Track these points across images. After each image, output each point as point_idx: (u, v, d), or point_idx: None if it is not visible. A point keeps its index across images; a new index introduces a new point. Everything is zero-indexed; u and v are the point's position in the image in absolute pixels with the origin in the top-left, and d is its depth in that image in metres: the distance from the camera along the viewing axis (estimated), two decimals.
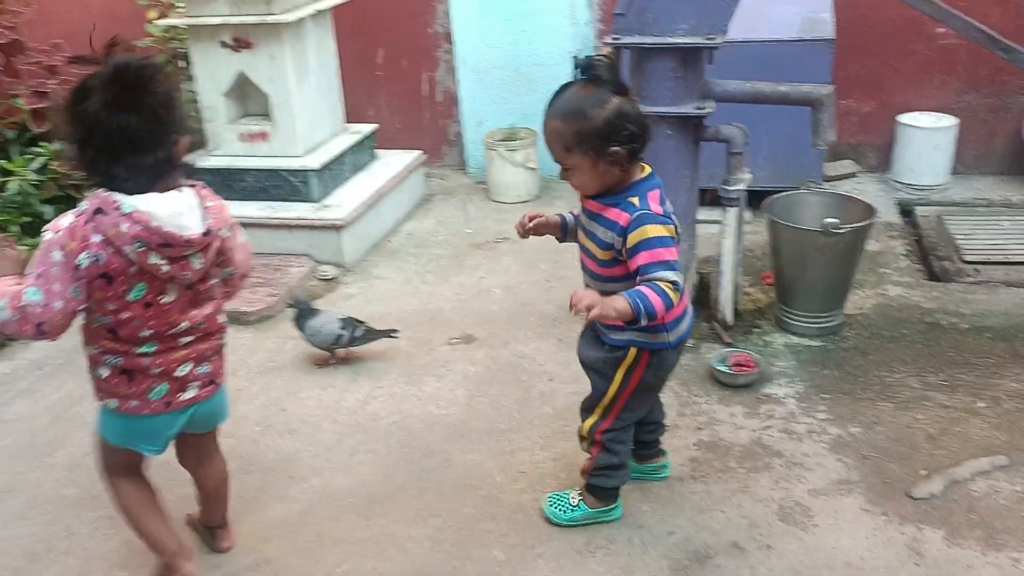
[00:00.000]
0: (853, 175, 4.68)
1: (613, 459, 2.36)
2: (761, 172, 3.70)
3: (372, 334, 3.28)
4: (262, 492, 2.65)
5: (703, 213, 3.40)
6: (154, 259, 1.90)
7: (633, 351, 2.22)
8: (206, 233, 1.96)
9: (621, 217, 2.10)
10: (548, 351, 3.30)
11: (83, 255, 1.86)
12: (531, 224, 2.35)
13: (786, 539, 2.36)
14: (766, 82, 3.04)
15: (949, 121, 4.46)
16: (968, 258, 3.76)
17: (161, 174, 1.92)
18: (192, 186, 1.98)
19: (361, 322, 3.28)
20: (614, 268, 2.16)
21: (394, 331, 3.35)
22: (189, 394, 2.10)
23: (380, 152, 4.76)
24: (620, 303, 2.00)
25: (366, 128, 4.64)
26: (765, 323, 3.37)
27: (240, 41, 4.01)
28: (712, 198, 3.92)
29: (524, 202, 4.72)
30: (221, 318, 2.14)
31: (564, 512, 2.45)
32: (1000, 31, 3.10)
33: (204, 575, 2.34)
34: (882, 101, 4.68)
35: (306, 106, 4.18)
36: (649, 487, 2.57)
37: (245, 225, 3.97)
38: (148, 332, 1.99)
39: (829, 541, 2.35)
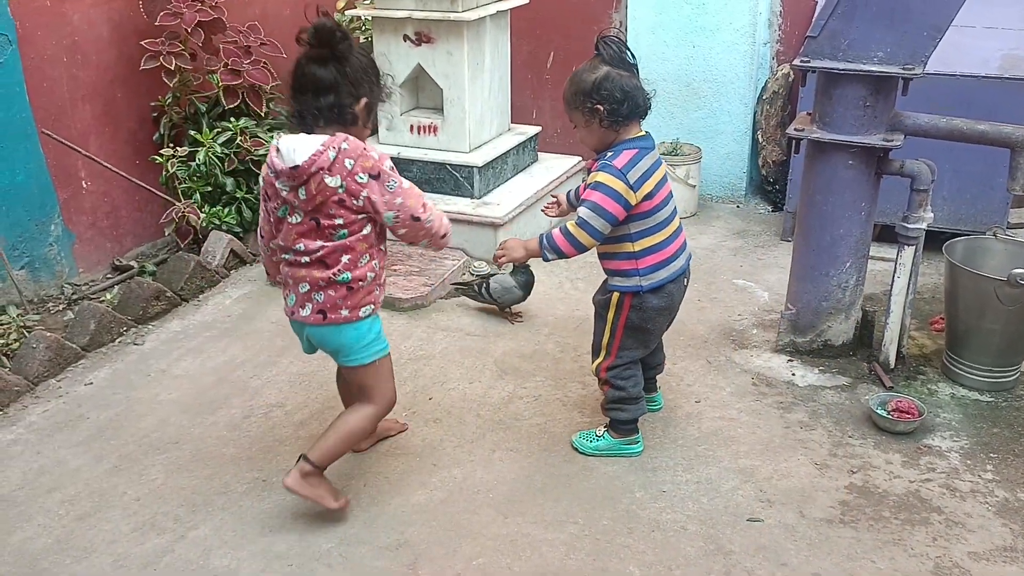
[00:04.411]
0: None
1: (621, 393, 2.71)
2: (938, 212, 3.53)
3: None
4: (406, 476, 2.71)
5: (873, 249, 3.26)
6: (279, 183, 2.28)
7: (616, 295, 2.63)
8: (293, 168, 2.22)
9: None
10: (696, 372, 3.24)
11: (260, 178, 2.40)
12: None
13: None
14: (963, 119, 2.89)
15: None
16: None
17: (326, 117, 2.26)
18: (333, 135, 2.25)
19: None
20: None
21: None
22: (304, 312, 2.38)
23: (541, 155, 4.80)
24: (531, 243, 2.62)
25: (530, 130, 4.69)
26: (930, 370, 3.21)
27: (421, 36, 4.13)
28: (879, 233, 3.78)
29: (681, 218, 4.65)
30: (345, 258, 2.32)
31: (589, 442, 2.80)
32: None
33: (349, 549, 2.42)
34: None
35: (477, 103, 4.26)
36: (795, 526, 2.49)
37: None
38: (282, 243, 2.36)
39: None
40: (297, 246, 2.32)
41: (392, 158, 4.20)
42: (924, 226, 3.02)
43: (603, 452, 2.79)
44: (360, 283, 2.35)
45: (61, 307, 3.76)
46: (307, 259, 2.32)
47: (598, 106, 2.49)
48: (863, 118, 2.92)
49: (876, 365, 3.18)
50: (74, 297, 3.81)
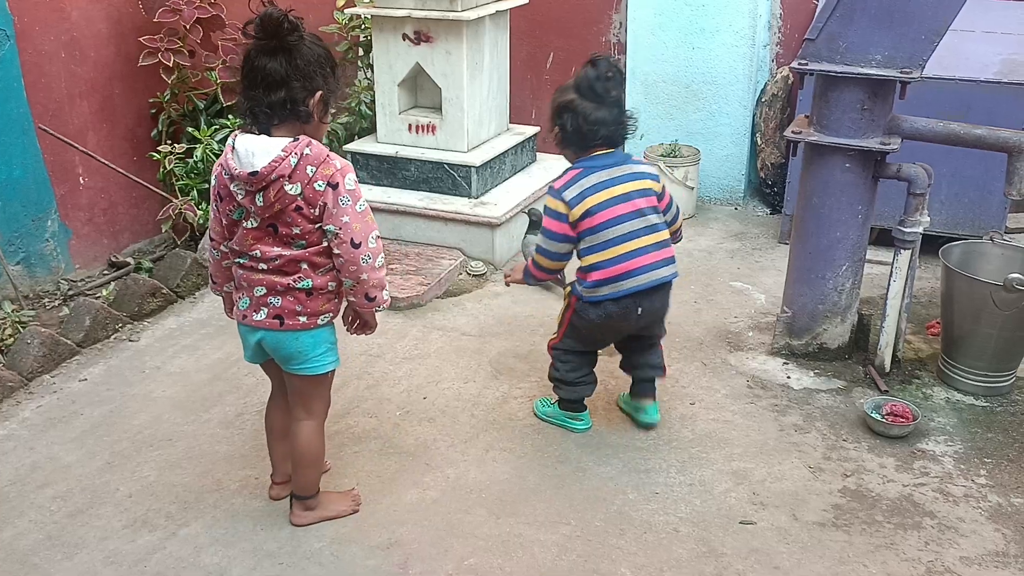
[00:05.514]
0: None
1: (556, 373, 2.86)
2: (936, 216, 3.53)
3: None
4: (399, 476, 2.71)
5: (870, 252, 3.26)
6: (234, 187, 2.17)
7: (568, 290, 2.78)
8: (252, 173, 2.11)
9: None
10: (692, 374, 3.24)
11: (212, 176, 2.26)
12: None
13: None
14: (960, 123, 2.88)
15: None
16: None
17: (279, 115, 2.14)
18: (295, 140, 2.14)
19: None
20: None
21: None
22: (258, 316, 2.29)
23: (540, 155, 4.80)
24: (525, 265, 2.81)
25: (529, 130, 4.68)
26: (925, 374, 3.20)
27: (421, 35, 4.12)
28: (876, 237, 3.77)
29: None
30: (304, 266, 2.23)
31: (543, 407, 2.98)
32: None
33: (340, 548, 2.42)
34: None
35: (475, 103, 4.25)
36: (788, 529, 2.48)
37: (402, 213, 4.18)
38: (236, 247, 2.26)
39: None
40: (253, 252, 2.22)
41: (390, 157, 4.31)
42: (920, 230, 3.01)
43: (550, 419, 2.95)
44: (320, 291, 2.27)
45: (57, 303, 3.75)
46: (264, 266, 2.23)
47: (555, 128, 2.67)
48: (860, 121, 2.91)
49: (871, 369, 3.18)
50: (70, 293, 3.81)
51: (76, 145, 3.84)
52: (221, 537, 2.46)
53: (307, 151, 2.13)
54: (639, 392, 2.92)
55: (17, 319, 3.46)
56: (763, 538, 2.45)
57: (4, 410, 3.05)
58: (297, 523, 2.48)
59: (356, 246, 2.20)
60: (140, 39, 3.99)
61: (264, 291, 2.26)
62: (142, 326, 3.61)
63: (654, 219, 2.67)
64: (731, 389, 3.15)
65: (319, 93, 2.16)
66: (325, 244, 2.22)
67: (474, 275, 4.02)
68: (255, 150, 2.11)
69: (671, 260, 2.72)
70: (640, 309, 2.68)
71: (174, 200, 4.03)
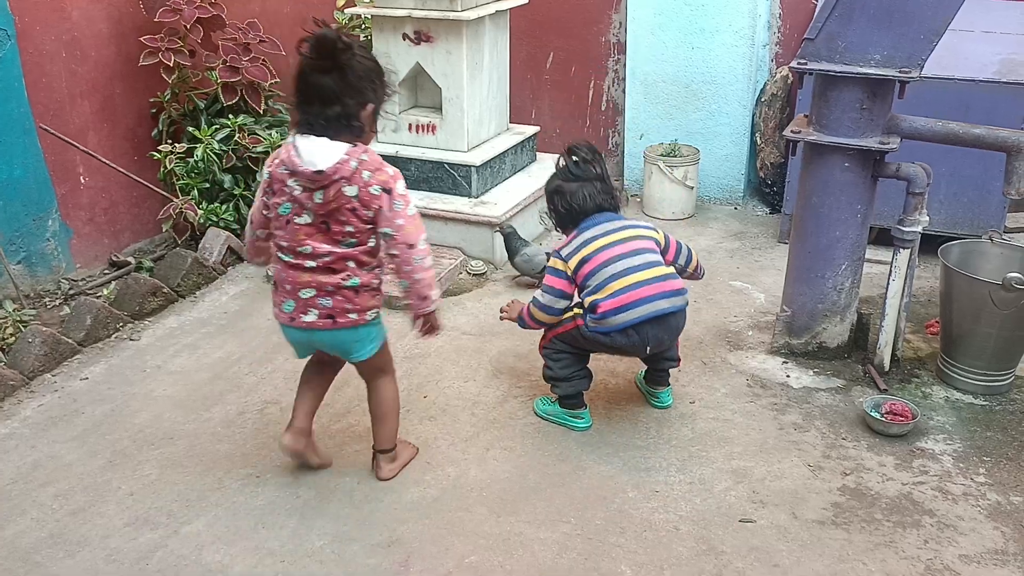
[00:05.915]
0: None
1: (549, 372, 2.91)
2: (935, 215, 3.54)
3: None
4: (400, 474, 2.71)
5: (869, 252, 3.27)
6: (292, 182, 2.30)
7: (577, 310, 2.82)
8: (317, 172, 2.25)
9: None
10: (692, 373, 3.25)
11: (266, 170, 2.39)
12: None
13: None
14: (959, 123, 2.89)
15: None
16: None
17: (335, 127, 2.27)
18: (355, 145, 2.29)
19: None
20: None
21: None
22: (308, 317, 2.41)
23: (540, 155, 4.80)
24: (521, 309, 2.94)
25: (529, 130, 4.69)
26: (925, 373, 3.21)
27: (421, 35, 4.13)
28: (876, 236, 3.78)
29: (678, 219, 4.67)
30: (352, 264, 2.36)
31: (543, 405, 3.02)
32: None
33: (341, 546, 2.43)
34: None
35: (475, 103, 4.26)
36: (787, 527, 2.49)
37: None
38: (284, 243, 2.37)
39: None
40: (304, 248, 2.34)
41: (390, 157, 4.31)
42: (919, 229, 3.02)
43: (550, 417, 2.98)
44: (366, 288, 2.41)
45: (58, 302, 3.76)
46: (313, 263, 2.35)
47: (551, 210, 2.92)
48: (859, 121, 2.92)
49: (871, 368, 3.19)
50: (71, 292, 3.81)
51: (77, 145, 3.85)
52: (223, 535, 2.47)
53: (364, 157, 2.28)
54: (654, 379, 3.04)
55: (18, 318, 3.47)
56: (763, 536, 2.46)
57: (6, 409, 3.05)
58: (387, 476, 2.66)
59: (411, 247, 2.34)
60: (141, 39, 4.00)
61: (313, 293, 2.37)
62: (143, 325, 3.61)
63: (652, 257, 2.78)
64: (731, 388, 3.15)
65: (371, 106, 2.30)
66: (371, 244, 2.36)
67: (474, 274, 4.02)
68: (315, 150, 2.25)
69: (676, 292, 2.79)
70: (648, 348, 2.80)
71: (175, 200, 4.03)
